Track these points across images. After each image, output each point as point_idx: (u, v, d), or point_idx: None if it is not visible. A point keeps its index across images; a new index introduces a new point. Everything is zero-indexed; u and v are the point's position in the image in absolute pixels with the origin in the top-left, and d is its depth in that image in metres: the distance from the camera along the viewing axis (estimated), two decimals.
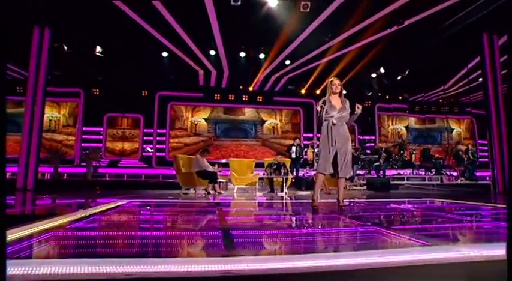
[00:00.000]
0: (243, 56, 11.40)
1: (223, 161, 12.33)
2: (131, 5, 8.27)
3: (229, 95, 14.56)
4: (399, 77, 12.84)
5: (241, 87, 14.33)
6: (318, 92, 14.03)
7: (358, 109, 3.92)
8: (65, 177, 12.32)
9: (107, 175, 12.84)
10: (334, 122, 3.84)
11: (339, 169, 3.87)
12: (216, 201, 5.73)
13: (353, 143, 14.70)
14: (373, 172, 11.62)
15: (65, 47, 10.46)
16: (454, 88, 14.08)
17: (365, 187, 9.44)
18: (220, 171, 7.91)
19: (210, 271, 1.29)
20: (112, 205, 4.13)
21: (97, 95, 13.61)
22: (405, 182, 11.22)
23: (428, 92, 15.12)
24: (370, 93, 14.98)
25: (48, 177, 11.74)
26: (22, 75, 11.80)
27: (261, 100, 14.79)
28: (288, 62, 11.81)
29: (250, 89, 14.41)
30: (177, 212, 4.17)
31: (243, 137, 14.79)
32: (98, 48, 10.70)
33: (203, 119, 14.61)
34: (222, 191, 7.89)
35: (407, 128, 16.15)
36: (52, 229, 2.35)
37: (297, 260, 1.47)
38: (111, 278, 1.22)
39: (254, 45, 10.95)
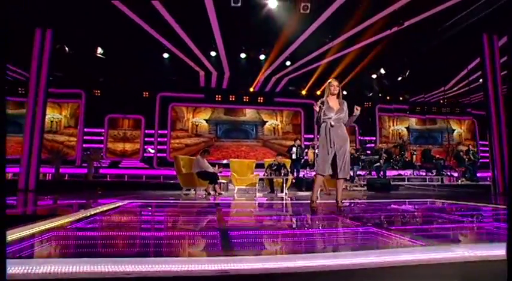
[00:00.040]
0: (243, 57, 11.44)
1: (225, 161, 12.36)
2: (132, 7, 8.32)
3: (230, 96, 14.60)
4: (400, 78, 12.84)
5: (241, 90, 14.38)
6: (318, 92, 14.05)
7: (357, 111, 3.94)
8: (66, 178, 12.37)
9: (108, 176, 12.88)
10: (332, 123, 3.87)
11: (338, 170, 3.88)
12: (216, 202, 5.75)
13: (353, 144, 14.72)
14: (373, 172, 11.61)
15: (67, 49, 10.52)
16: (455, 89, 14.07)
17: (365, 188, 9.44)
18: (220, 172, 7.93)
19: (207, 270, 1.31)
20: (113, 206, 4.16)
21: (98, 96, 13.66)
22: (406, 183, 11.22)
23: (428, 93, 15.13)
24: (370, 94, 14.99)
25: (50, 178, 11.78)
26: (24, 77, 11.87)
27: (261, 101, 14.82)
28: (288, 63, 11.84)
29: (251, 90, 14.45)
30: (177, 213, 4.19)
31: (244, 138, 14.82)
32: (99, 50, 10.75)
33: (204, 120, 14.64)
34: (223, 192, 7.91)
35: (408, 128, 16.14)
36: (53, 229, 2.38)
37: (293, 260, 1.49)
38: (110, 277, 1.24)
39: (254, 46, 10.98)
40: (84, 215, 3.20)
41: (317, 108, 3.92)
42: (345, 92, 13.88)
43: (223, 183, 8.62)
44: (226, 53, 10.94)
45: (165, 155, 14.05)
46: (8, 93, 12.61)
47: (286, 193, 7.45)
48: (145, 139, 14.03)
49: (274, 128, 15.03)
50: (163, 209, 4.58)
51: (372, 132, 15.48)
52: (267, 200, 6.34)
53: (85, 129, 13.63)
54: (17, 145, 10.90)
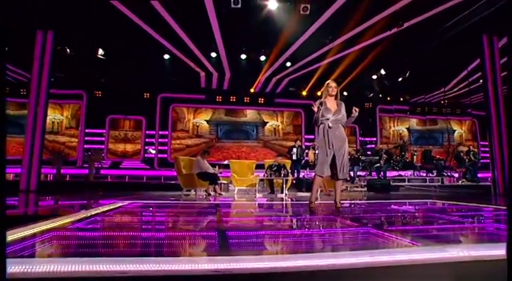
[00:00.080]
0: (244, 58, 11.47)
1: (226, 162, 12.39)
2: (133, 8, 8.36)
3: (231, 97, 14.63)
4: (400, 79, 12.85)
5: (242, 91, 14.41)
6: (319, 93, 14.04)
7: (356, 112, 3.96)
8: (67, 178, 12.42)
9: (109, 177, 12.92)
10: (330, 125, 3.89)
11: (338, 171, 3.90)
12: (216, 202, 5.78)
13: (354, 145, 14.72)
14: (374, 173, 11.62)
15: (68, 50, 10.57)
16: (455, 90, 14.06)
17: (365, 189, 9.46)
18: (220, 172, 7.96)
19: (205, 269, 1.33)
20: (113, 206, 4.19)
21: (99, 97, 13.71)
22: (406, 183, 11.22)
23: (429, 93, 15.12)
24: (371, 95, 14.99)
25: (51, 178, 11.84)
26: (25, 78, 11.93)
27: (262, 102, 14.85)
28: (288, 64, 11.86)
29: (252, 90, 14.48)
30: (176, 214, 4.22)
31: (245, 138, 14.85)
32: (100, 51, 10.81)
33: (205, 120, 14.68)
34: (223, 193, 7.93)
35: (408, 129, 16.13)
36: (53, 229, 2.40)
37: (289, 260, 1.51)
38: (108, 276, 1.27)
39: (255, 47, 11.00)
40: (84, 215, 3.23)
41: (315, 109, 3.95)
42: (345, 93, 13.94)
43: (224, 184, 8.64)
44: (226, 54, 10.97)
45: (165, 156, 14.09)
46: (10, 94, 12.69)
47: (286, 194, 7.48)
48: (146, 140, 14.08)
49: (274, 128, 15.06)
50: (163, 210, 4.60)
51: (372, 133, 15.49)
52: (266, 200, 6.37)
53: (86, 130, 13.68)
54: (19, 146, 10.97)
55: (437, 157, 13.07)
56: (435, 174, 11.98)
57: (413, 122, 16.26)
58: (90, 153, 12.14)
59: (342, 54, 10.85)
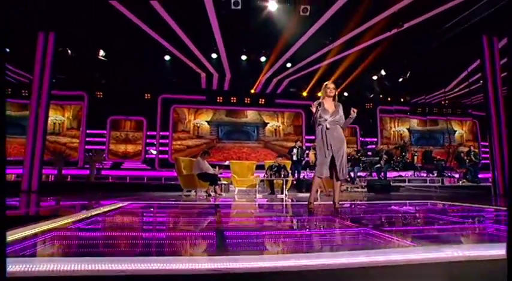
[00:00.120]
0: (244, 59, 11.50)
1: (226, 163, 12.39)
2: (134, 10, 8.40)
3: (232, 98, 14.65)
4: (400, 79, 12.85)
5: (243, 92, 14.43)
6: (319, 94, 13.97)
7: (354, 113, 3.98)
8: (68, 179, 12.46)
9: (110, 177, 12.94)
10: (328, 126, 3.91)
11: (337, 172, 3.92)
12: (216, 203, 5.80)
13: (354, 145, 14.73)
14: (374, 174, 11.62)
15: (69, 51, 10.62)
16: (456, 90, 14.06)
17: (366, 189, 9.46)
18: (221, 173, 7.97)
19: (204, 269, 1.35)
20: (113, 207, 4.21)
21: (100, 98, 13.75)
22: (406, 184, 11.22)
23: (429, 94, 15.12)
24: (371, 96, 15.00)
25: (52, 179, 11.88)
26: (27, 79, 11.98)
27: (262, 103, 14.88)
28: (289, 64, 11.89)
29: (252, 91, 14.50)
30: (176, 214, 4.24)
31: (245, 139, 14.87)
32: (101, 52, 10.85)
33: (205, 121, 14.71)
34: (223, 193, 7.95)
35: (409, 130, 16.12)
36: (54, 229, 2.43)
37: (289, 259, 1.53)
38: (108, 275, 1.29)
39: (255, 48, 11.04)
40: (85, 216, 3.25)
41: (314, 109, 3.97)
42: (346, 94, 13.97)
43: (224, 184, 8.66)
44: (227, 55, 11.00)
45: (166, 156, 14.12)
46: (12, 95, 12.75)
47: (286, 194, 7.49)
48: (147, 141, 14.11)
49: (275, 129, 15.07)
50: (162, 211, 4.62)
51: (373, 133, 15.49)
52: (266, 201, 6.38)
53: (87, 131, 13.72)
54: (20, 147, 11.02)
55: (438, 157, 13.05)
56: (436, 175, 11.96)
57: (414, 123, 16.25)
58: (91, 154, 12.17)
59: (342, 55, 10.86)
